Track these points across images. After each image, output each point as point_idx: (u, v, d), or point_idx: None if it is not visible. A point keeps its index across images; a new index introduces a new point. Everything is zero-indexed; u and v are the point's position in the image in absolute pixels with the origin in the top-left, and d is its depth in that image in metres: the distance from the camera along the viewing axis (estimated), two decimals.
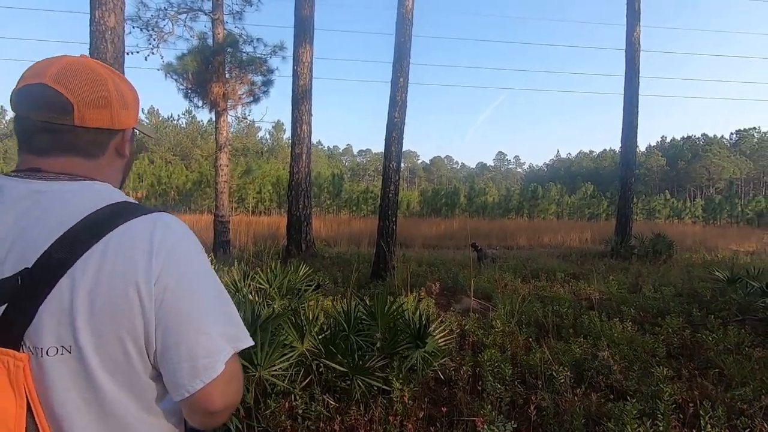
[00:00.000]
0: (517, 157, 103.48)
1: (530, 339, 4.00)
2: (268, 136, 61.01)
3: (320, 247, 10.98)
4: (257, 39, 11.08)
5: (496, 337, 3.93)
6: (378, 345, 2.85)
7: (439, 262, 8.90)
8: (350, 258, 9.46)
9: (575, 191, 43.74)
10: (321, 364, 2.75)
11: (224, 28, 10.76)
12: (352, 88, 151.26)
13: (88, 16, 5.37)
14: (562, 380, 2.86)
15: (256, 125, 57.30)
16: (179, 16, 10.22)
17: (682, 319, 4.53)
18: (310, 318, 2.85)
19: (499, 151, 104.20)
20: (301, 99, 10.11)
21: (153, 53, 9.92)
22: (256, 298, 4.14)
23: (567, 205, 37.71)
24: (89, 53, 5.31)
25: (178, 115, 59.15)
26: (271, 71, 11.05)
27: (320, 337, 2.76)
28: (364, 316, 3.07)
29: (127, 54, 9.61)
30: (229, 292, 3.23)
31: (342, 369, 2.58)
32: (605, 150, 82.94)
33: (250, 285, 4.35)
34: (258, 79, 10.96)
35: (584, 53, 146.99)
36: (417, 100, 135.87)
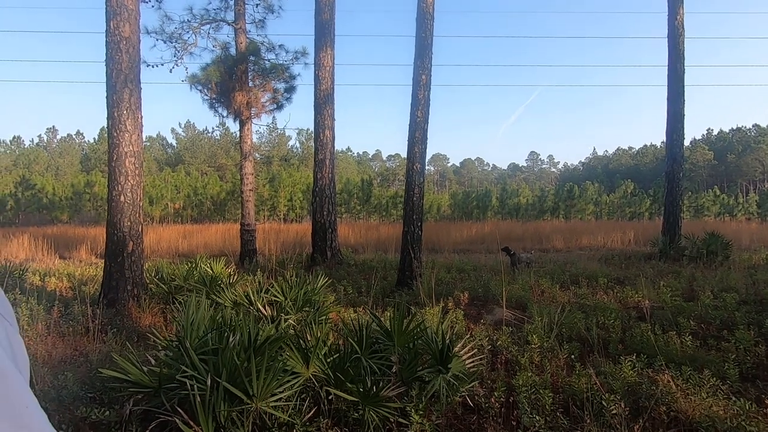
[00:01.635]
0: (550, 157, 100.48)
1: (572, 357, 3.52)
2: (298, 145, 61.92)
3: (346, 254, 10.72)
4: (279, 46, 11.05)
5: (533, 355, 3.48)
6: (394, 369, 2.50)
7: (469, 268, 8.44)
8: (376, 265, 9.14)
9: (614, 190, 41.66)
10: (330, 391, 2.43)
11: (247, 37, 10.78)
12: (382, 93, 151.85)
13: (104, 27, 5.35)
14: (614, 411, 2.41)
15: (286, 134, 58.31)
16: (202, 28, 10.31)
17: (753, 331, 3.91)
18: (317, 337, 2.53)
19: (532, 151, 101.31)
20: (323, 104, 9.94)
21: (177, 65, 10.05)
22: (269, 312, 3.88)
23: (606, 204, 35.99)
24: (105, 64, 5.29)
25: (213, 128, 61.09)
26: (293, 77, 10.97)
27: (328, 360, 2.44)
28: (379, 335, 2.73)
29: (152, 67, 9.80)
30: (242, 306, 2.97)
31: (351, 398, 2.25)
32: (645, 146, 79.05)
33: (263, 298, 4.10)
34: (280, 86, 10.90)
35: (621, 44, 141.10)
36: (445, 102, 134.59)
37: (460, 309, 4.74)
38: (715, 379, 2.82)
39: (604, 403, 2.49)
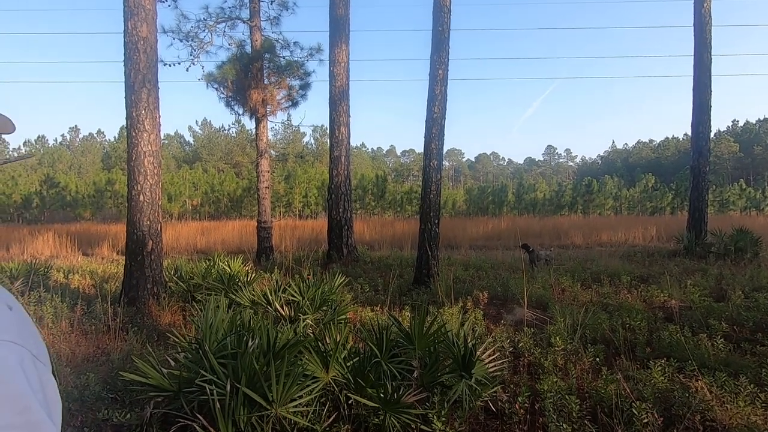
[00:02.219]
0: (568, 150, 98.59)
1: (597, 360, 3.41)
2: (312, 141, 62.19)
3: (362, 251, 10.70)
4: (294, 43, 11.02)
5: (557, 357, 3.38)
6: (415, 374, 2.44)
7: (487, 266, 8.31)
8: (392, 262, 9.09)
9: (634, 184, 40.68)
10: (350, 396, 2.38)
11: (262, 35, 10.77)
12: (395, 88, 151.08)
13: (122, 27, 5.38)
14: (646, 420, 2.31)
15: (301, 131, 58.59)
16: (218, 26, 10.34)
17: None
18: (337, 340, 2.49)
19: (549, 145, 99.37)
20: (338, 100, 9.89)
21: (194, 64, 10.10)
22: (287, 312, 3.86)
23: (626, 198, 35.20)
24: (124, 65, 5.32)
25: (229, 125, 61.78)
26: (308, 74, 10.93)
27: (348, 364, 2.39)
28: (399, 338, 2.67)
29: (169, 66, 9.88)
30: (260, 305, 2.95)
31: (372, 404, 2.19)
32: (667, 138, 76.93)
33: (281, 297, 4.08)
34: (295, 83, 10.87)
35: (641, 34, 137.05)
36: (460, 97, 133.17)
37: (479, 309, 4.66)
38: (752, 386, 2.68)
39: (634, 411, 2.39)
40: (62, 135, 73.67)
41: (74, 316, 4.91)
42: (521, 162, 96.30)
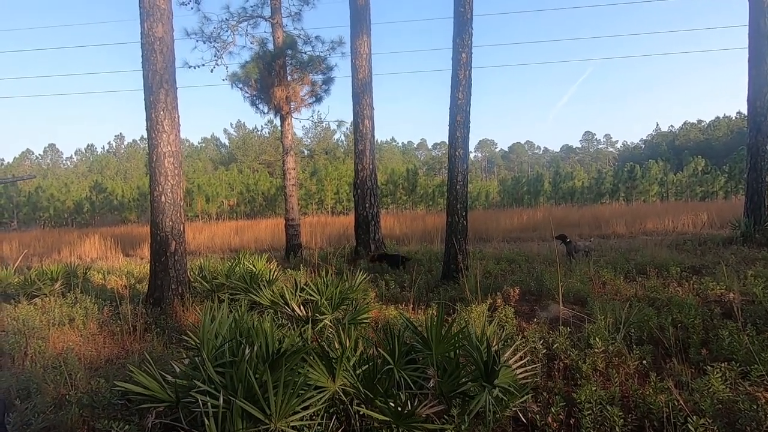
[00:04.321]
0: (607, 136, 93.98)
1: (644, 363, 3.04)
2: (343, 138, 62.51)
3: (391, 246, 10.50)
4: (315, 38, 10.91)
5: (596, 361, 3.03)
6: (432, 383, 2.19)
7: (520, 259, 7.89)
8: (421, 257, 8.83)
9: (682, 168, 38.16)
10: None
11: (283, 31, 10.73)
12: (425, 80, 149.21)
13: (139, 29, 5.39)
14: None
15: (331, 128, 58.98)
16: (240, 25, 10.38)
17: None
18: (344, 344, 2.28)
19: (587, 131, 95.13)
20: (361, 93, 9.70)
21: (218, 65, 10.19)
22: (304, 312, 3.70)
23: (672, 184, 33.13)
24: (142, 66, 5.33)
25: (261, 126, 63.14)
26: (330, 69, 10.80)
27: (357, 372, 2.18)
28: (416, 342, 2.43)
29: (194, 68, 9.99)
30: (277, 305, 2.79)
31: (382, 417, 1.97)
32: (717, 118, 71.78)
33: (299, 297, 3.93)
34: (318, 78, 10.78)
35: (686, 4, 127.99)
36: (491, 85, 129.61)
37: (510, 305, 4.33)
38: None
39: (690, 427, 2.05)
40: (109, 143, 77.85)
41: (103, 317, 5.00)
42: (557, 150, 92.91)
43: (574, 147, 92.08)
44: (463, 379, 2.19)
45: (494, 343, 2.51)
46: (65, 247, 15.88)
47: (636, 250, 8.65)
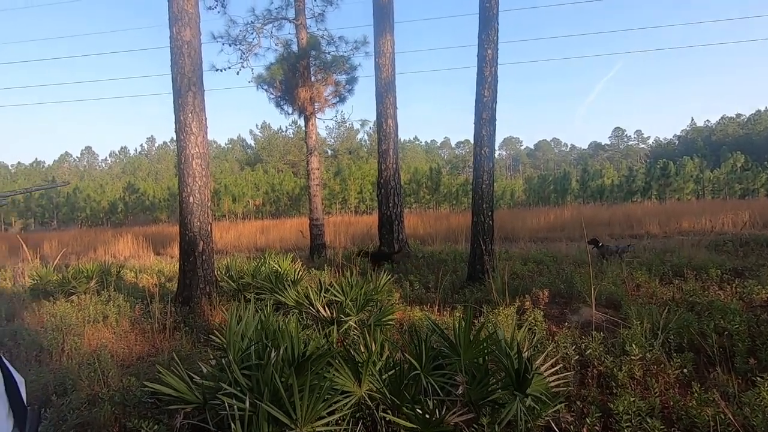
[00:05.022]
0: (638, 132, 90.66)
1: (685, 371, 2.88)
2: (366, 138, 62.68)
3: (414, 246, 10.42)
4: (339, 38, 10.93)
5: (633, 368, 2.89)
6: (461, 390, 2.13)
7: (548, 260, 7.68)
8: (446, 257, 8.72)
9: (719, 164, 36.42)
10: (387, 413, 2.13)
11: (307, 32, 10.80)
12: (448, 78, 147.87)
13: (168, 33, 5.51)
14: None
15: (354, 127, 59.29)
16: (264, 27, 10.50)
17: None
18: (370, 348, 2.24)
19: (616, 127, 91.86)
20: (384, 92, 9.65)
21: (243, 67, 10.34)
22: (329, 313, 3.69)
23: (709, 181, 31.71)
24: (170, 69, 5.45)
25: (286, 127, 63.99)
26: (354, 68, 10.80)
27: (383, 377, 2.14)
28: (443, 347, 2.37)
29: (221, 71, 10.18)
30: (302, 305, 2.79)
31: (409, 425, 1.92)
32: (758, 111, 68.25)
33: (323, 298, 3.93)
34: (342, 78, 10.79)
35: None
36: (515, 81, 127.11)
37: (539, 308, 4.20)
38: None
39: None
40: (141, 145, 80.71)
41: (135, 315, 5.13)
42: (585, 147, 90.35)
43: (602, 144, 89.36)
44: (493, 387, 2.12)
45: (525, 349, 2.42)
46: (100, 246, 16.52)
47: (671, 250, 8.28)
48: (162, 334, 4.52)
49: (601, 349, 3.18)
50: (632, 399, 2.30)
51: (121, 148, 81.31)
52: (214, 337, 3.03)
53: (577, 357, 3.10)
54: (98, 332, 4.67)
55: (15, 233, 25.24)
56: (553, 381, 2.40)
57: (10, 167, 70.96)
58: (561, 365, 2.62)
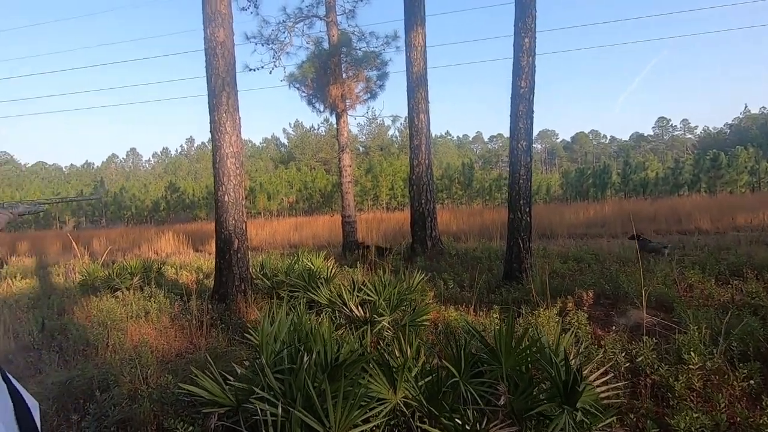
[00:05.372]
0: (685, 121, 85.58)
1: (752, 383, 2.61)
2: (397, 134, 62.52)
3: (448, 243, 10.23)
4: (369, 33, 10.86)
5: (692, 378, 2.65)
6: (502, 401, 1.99)
7: (589, 257, 7.32)
8: (480, 255, 8.50)
9: None
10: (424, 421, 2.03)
11: (338, 29, 10.79)
12: (479, 71, 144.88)
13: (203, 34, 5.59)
14: None
15: (385, 124, 59.26)
16: (296, 26, 10.57)
17: None
18: (406, 353, 2.15)
19: (660, 117, 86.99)
20: (416, 87, 9.49)
21: (276, 66, 10.46)
22: (362, 313, 3.62)
23: (766, 173, 29.44)
24: (205, 71, 5.53)
25: (318, 124, 64.83)
26: (385, 64, 10.71)
27: (420, 383, 2.04)
28: (483, 353, 2.24)
29: (253, 70, 10.33)
30: (334, 304, 2.74)
31: None
32: None
33: (356, 297, 3.86)
34: (373, 74, 10.72)
35: None
36: (550, 72, 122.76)
37: (582, 311, 3.97)
38: None
39: None
40: (181, 145, 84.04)
41: (174, 311, 5.28)
42: (626, 138, 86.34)
43: (645, 135, 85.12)
44: (538, 398, 1.97)
45: (571, 356, 2.25)
46: (144, 243, 17.28)
47: (726, 248, 7.71)
48: (199, 330, 4.61)
49: (654, 356, 2.95)
50: (695, 414, 2.09)
51: (163, 149, 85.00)
52: (248, 336, 3.03)
53: (627, 364, 2.88)
54: (140, 328, 4.82)
55: (68, 231, 26.88)
56: (603, 391, 2.22)
57: (63, 169, 75.71)
58: (611, 375, 2.43)
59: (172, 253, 15.24)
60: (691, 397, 2.51)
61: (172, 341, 4.49)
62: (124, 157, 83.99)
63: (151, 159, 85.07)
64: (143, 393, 2.80)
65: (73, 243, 10.37)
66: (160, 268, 8.92)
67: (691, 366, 2.73)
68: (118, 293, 6.42)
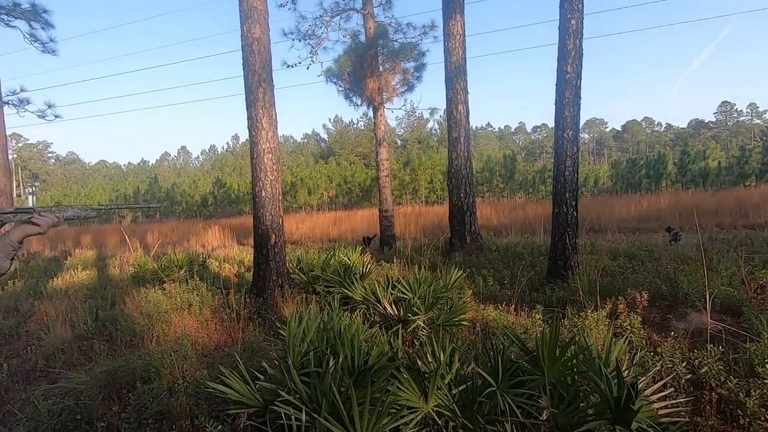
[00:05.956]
0: (752, 105, 78.44)
1: None
2: (437, 126, 61.73)
3: (488, 238, 9.92)
4: (406, 24, 10.67)
5: (766, 394, 2.34)
6: (545, 415, 1.82)
7: (642, 254, 6.81)
8: (522, 250, 8.15)
9: None
10: None
11: (375, 21, 10.66)
12: (521, 59, 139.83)
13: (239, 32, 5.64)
14: None
15: (424, 117, 58.65)
16: (333, 20, 10.54)
17: None
18: (439, 357, 2.01)
19: (723, 101, 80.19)
20: (454, 77, 9.21)
21: (313, 62, 10.49)
22: (396, 311, 3.51)
23: None
24: (242, 67, 5.59)
25: (357, 119, 65.22)
26: (422, 55, 10.47)
27: (454, 392, 1.90)
28: (524, 360, 2.07)
29: (291, 66, 10.42)
30: (368, 302, 2.66)
31: None
32: None
33: (390, 295, 3.76)
34: (410, 65, 10.52)
35: None
36: (598, 57, 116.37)
37: (636, 314, 3.65)
38: None
39: None
40: (227, 143, 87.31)
41: (215, 304, 5.42)
42: (684, 126, 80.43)
43: (706, 121, 78.94)
44: (585, 414, 1.78)
45: (624, 367, 2.03)
46: (193, 237, 18.08)
47: None
48: (237, 324, 4.69)
49: (720, 366, 2.64)
50: None
51: (210, 146, 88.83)
52: (283, 332, 3.01)
53: (689, 375, 2.59)
54: (183, 320, 4.97)
55: (126, 225, 28.69)
56: (661, 407, 1.99)
57: (122, 167, 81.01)
58: (672, 390, 2.18)
59: (217, 246, 15.83)
60: (766, 416, 2.22)
61: (212, 334, 4.59)
62: (176, 154, 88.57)
63: (200, 156, 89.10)
64: (180, 387, 2.85)
65: (127, 237, 10.98)
66: (204, 261, 9.26)
67: (765, 380, 2.41)
68: (166, 285, 6.70)
